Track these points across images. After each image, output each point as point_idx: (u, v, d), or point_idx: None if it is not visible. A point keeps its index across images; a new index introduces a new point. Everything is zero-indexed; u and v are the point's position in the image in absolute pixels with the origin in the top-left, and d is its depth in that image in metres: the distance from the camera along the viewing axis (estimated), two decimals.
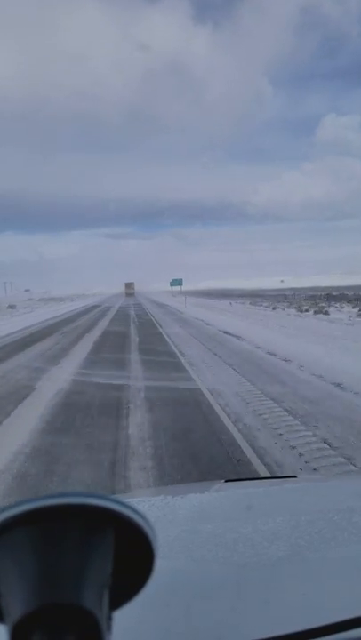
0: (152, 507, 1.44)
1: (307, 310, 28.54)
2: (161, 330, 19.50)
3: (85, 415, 6.74)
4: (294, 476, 3.31)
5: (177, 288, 77.29)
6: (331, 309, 27.92)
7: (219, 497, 1.68)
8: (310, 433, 5.76)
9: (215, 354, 12.20)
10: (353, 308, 28.57)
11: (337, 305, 32.34)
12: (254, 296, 63.28)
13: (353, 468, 4.71)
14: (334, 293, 55.08)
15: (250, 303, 42.36)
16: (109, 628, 0.50)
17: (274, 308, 32.25)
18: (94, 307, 45.52)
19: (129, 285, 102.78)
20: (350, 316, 22.68)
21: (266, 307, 34.76)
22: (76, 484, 4.39)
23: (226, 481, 2.21)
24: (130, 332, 19.31)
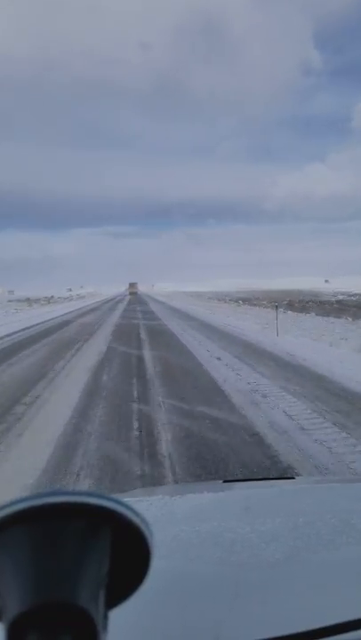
0: (150, 506, 1.44)
1: None
2: None
3: None
4: (293, 477, 3.28)
5: None
6: None
7: (217, 497, 1.68)
8: None
9: None
10: None
11: None
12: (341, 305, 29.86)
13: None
14: None
15: None
16: (105, 627, 0.50)
17: None
18: None
19: (132, 285, 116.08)
20: None
21: None
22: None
23: (224, 481, 2.20)
24: None
